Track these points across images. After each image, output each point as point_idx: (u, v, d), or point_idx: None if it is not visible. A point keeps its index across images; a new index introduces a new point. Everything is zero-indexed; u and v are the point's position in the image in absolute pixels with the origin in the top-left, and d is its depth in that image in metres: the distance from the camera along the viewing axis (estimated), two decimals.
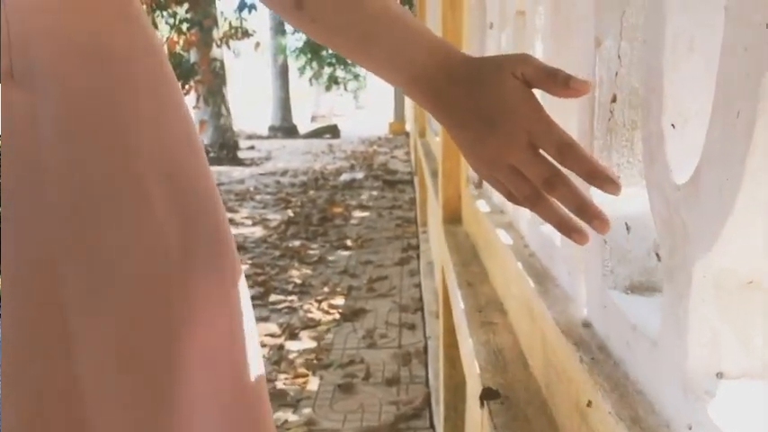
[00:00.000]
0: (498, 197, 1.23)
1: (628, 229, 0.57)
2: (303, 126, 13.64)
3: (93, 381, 0.43)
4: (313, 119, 17.28)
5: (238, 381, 0.51)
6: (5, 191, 0.40)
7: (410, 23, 0.50)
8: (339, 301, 3.10)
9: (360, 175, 7.15)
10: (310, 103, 18.90)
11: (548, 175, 0.46)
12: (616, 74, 0.58)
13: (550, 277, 0.74)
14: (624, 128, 0.59)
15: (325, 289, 3.28)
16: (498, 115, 0.47)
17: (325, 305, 3.03)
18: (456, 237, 1.43)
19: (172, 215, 0.47)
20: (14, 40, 0.41)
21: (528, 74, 0.47)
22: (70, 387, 0.42)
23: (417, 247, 3.90)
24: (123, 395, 0.44)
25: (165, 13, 7.41)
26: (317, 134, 12.82)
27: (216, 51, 8.52)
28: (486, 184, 1.39)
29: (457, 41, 1.47)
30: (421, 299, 3.03)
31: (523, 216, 0.96)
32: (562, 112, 0.63)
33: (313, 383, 2.26)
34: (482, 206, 1.25)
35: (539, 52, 0.87)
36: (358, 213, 5.19)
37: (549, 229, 0.81)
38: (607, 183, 0.45)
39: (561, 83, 0.46)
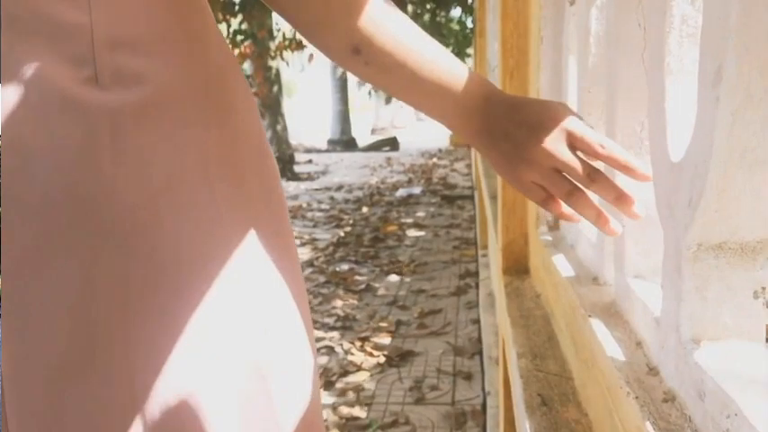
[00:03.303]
0: (583, 252, 0.83)
1: None
2: (363, 139, 13.38)
3: None
4: (373, 131, 17.06)
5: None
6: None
7: (454, 58, 0.56)
8: (385, 339, 2.72)
9: (417, 190, 6.76)
10: (370, 115, 18.72)
11: (589, 170, 0.52)
12: None
13: None
14: None
15: (371, 324, 2.91)
16: (545, 121, 0.53)
17: (368, 345, 2.66)
18: (521, 298, 1.03)
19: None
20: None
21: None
22: None
23: (476, 274, 3.48)
24: None
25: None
26: (375, 147, 12.52)
27: (271, 61, 8.35)
28: (563, 226, 0.99)
29: (523, 26, 1.07)
30: (479, 339, 2.62)
31: (635, 297, 0.56)
32: None
33: None
34: (561, 263, 0.85)
35: (681, 25, 0.48)
36: (413, 233, 4.82)
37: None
38: (638, 171, 0.51)
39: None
